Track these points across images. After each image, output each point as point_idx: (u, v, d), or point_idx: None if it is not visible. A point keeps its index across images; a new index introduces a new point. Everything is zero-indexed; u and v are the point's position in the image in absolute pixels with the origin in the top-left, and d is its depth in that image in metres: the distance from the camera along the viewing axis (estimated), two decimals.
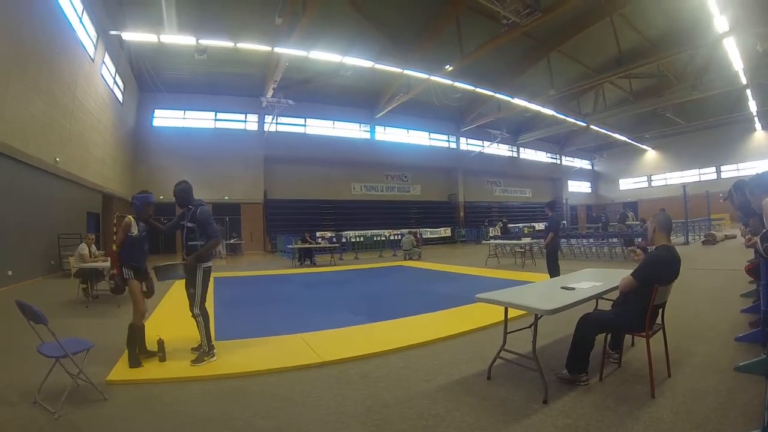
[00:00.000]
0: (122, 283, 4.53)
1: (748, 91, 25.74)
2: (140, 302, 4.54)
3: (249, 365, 4.39)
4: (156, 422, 3.22)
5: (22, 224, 11.11)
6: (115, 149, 19.19)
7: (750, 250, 4.97)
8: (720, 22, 16.97)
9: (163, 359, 4.47)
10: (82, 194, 15.53)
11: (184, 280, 4.66)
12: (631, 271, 3.69)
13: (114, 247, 4.55)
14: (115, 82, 18.62)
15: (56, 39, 12.64)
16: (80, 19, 14.18)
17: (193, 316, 4.57)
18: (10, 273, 10.26)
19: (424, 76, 20.96)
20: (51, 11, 12.21)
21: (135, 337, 4.39)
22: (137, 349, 4.39)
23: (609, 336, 3.89)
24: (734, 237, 17.55)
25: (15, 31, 10.41)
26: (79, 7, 14.07)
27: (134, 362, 4.28)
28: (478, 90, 23.44)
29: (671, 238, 3.89)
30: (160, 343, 4.54)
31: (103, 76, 16.77)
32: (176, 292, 8.16)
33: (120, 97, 19.38)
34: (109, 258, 4.50)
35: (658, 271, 3.50)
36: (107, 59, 17.18)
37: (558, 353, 4.16)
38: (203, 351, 4.47)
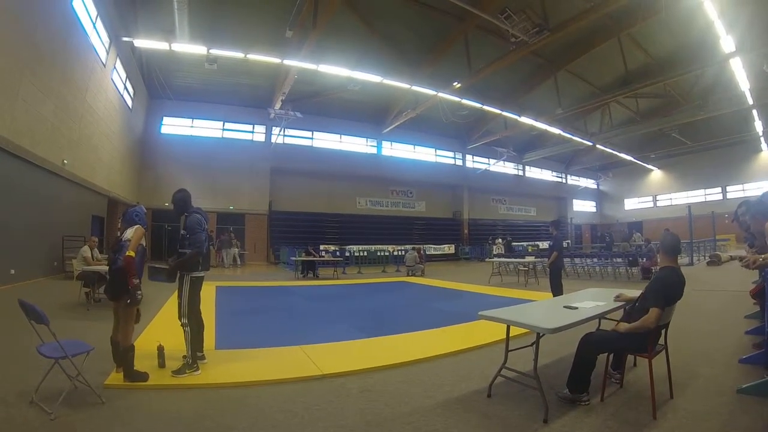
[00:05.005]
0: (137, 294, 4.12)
1: (755, 112, 25.70)
2: (133, 320, 4.32)
3: (249, 375, 4.37)
4: (153, 428, 3.20)
5: (27, 224, 11.15)
6: (122, 154, 19.33)
7: (754, 271, 4.92)
8: (726, 42, 17.07)
9: (162, 366, 4.44)
10: (88, 197, 15.60)
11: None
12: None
13: (131, 253, 4.12)
14: (126, 88, 18.78)
15: (69, 43, 12.79)
16: (94, 24, 14.36)
17: (181, 325, 4.49)
18: (12, 272, 10.29)
19: (432, 92, 21.01)
20: (65, 15, 12.37)
21: (129, 356, 4.11)
22: (132, 367, 4.10)
23: (611, 356, 3.85)
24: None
25: (29, 33, 10.53)
26: (93, 12, 14.25)
27: (143, 377, 4.08)
28: (486, 108, 23.47)
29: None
30: (160, 349, 4.51)
31: (114, 82, 16.94)
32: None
33: (130, 103, 19.54)
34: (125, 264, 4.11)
35: (673, 292, 3.51)
36: (119, 65, 17.36)
37: (559, 372, 4.13)
38: (186, 363, 4.35)
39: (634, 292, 4.17)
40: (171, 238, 20.43)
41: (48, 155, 12.00)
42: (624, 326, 3.58)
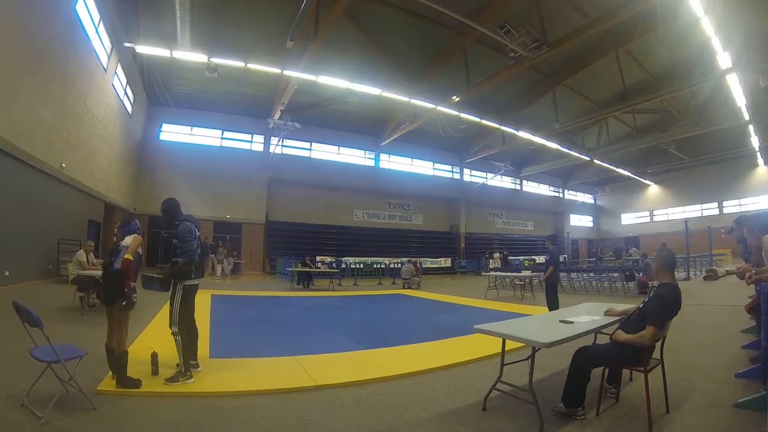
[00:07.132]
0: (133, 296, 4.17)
1: (751, 127, 25.74)
2: (127, 325, 4.31)
3: (242, 385, 4.35)
4: None
5: (22, 226, 11.07)
6: (120, 160, 19.30)
7: (751, 286, 4.93)
8: (723, 58, 17.18)
9: (155, 373, 4.41)
10: (84, 201, 15.54)
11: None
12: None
13: (129, 257, 4.16)
14: (126, 93, 18.81)
15: (71, 46, 12.82)
16: (96, 29, 14.41)
17: (171, 333, 4.45)
18: (7, 273, 10.19)
19: (431, 105, 21.13)
20: (68, 18, 12.40)
21: (122, 362, 4.09)
22: (125, 373, 4.09)
23: (607, 370, 3.84)
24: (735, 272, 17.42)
25: (30, 35, 10.52)
26: (96, 16, 14.31)
27: (135, 383, 4.06)
28: (484, 122, 23.62)
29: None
30: (154, 356, 4.48)
31: (114, 87, 16.97)
32: None
33: (129, 108, 19.56)
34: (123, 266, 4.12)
35: (669, 309, 3.51)
36: (119, 70, 17.41)
37: (555, 386, 4.10)
38: (180, 371, 4.32)
39: (626, 306, 4.19)
40: (167, 245, 19.84)
41: (46, 158, 11.96)
42: (622, 336, 3.57)
